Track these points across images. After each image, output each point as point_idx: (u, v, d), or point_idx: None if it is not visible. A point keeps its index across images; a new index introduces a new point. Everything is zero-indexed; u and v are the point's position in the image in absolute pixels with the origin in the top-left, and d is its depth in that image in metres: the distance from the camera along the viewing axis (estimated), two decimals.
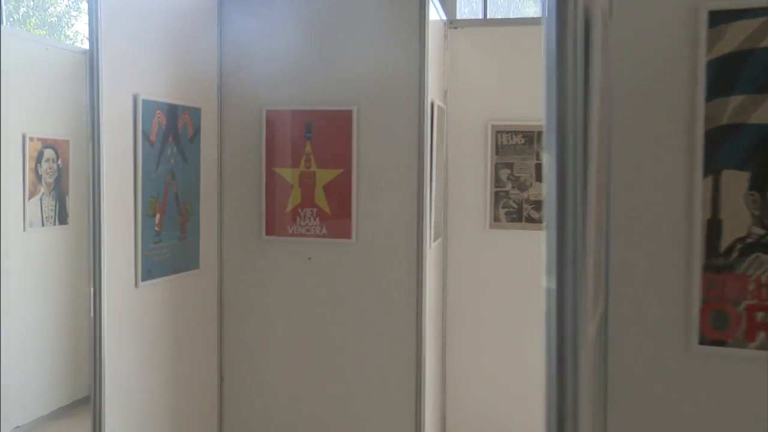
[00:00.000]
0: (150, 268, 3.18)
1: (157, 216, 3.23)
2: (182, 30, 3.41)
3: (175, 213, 3.36)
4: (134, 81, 3.08)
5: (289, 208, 3.65)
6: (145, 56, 3.15)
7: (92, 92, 2.83)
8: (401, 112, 3.54)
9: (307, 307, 3.68)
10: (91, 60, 2.81)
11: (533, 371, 3.83)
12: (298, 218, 3.65)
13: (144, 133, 3.11)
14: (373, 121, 3.57)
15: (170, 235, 3.32)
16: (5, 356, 4.38)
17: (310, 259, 3.66)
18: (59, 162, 4.89)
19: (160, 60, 3.25)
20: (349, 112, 3.56)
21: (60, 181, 4.90)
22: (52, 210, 4.85)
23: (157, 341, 3.28)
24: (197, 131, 3.51)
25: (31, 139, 4.63)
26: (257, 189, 3.68)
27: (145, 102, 3.10)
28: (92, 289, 2.87)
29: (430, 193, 3.55)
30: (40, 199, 4.74)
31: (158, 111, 3.20)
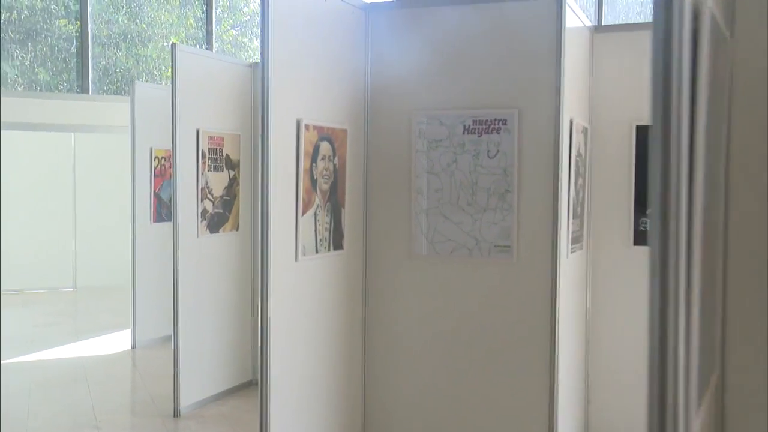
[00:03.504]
0: None
1: None
2: None
3: None
4: None
5: None
6: None
7: None
8: None
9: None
10: None
11: None
12: None
13: None
14: None
15: None
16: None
17: None
18: (335, 160, 3.38)
19: None
20: None
21: (336, 188, 3.37)
22: (326, 230, 3.33)
23: None
24: None
25: (307, 127, 3.14)
26: None
27: None
28: None
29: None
30: (314, 215, 3.22)
31: None
